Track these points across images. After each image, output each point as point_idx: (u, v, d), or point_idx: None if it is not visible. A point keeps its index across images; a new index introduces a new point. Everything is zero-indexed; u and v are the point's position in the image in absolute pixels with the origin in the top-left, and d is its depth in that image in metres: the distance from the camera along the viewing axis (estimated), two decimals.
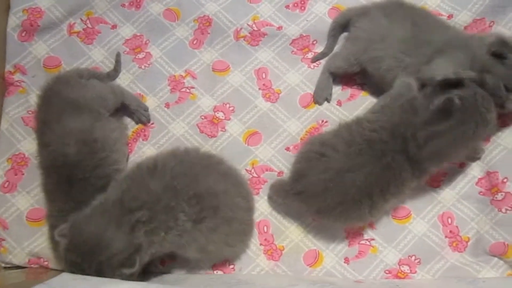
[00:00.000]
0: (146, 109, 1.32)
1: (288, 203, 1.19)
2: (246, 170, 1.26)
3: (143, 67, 1.38)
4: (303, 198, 1.11)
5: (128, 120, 1.33)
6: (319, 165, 1.08)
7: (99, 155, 1.14)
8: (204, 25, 1.42)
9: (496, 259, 1.13)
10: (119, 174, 1.14)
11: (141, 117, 1.31)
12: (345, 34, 1.37)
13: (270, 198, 1.22)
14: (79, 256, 0.95)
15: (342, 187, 1.05)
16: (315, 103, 1.32)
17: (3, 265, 1.22)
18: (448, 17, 1.34)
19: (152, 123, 1.32)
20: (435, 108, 1.04)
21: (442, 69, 1.13)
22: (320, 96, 1.31)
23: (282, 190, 1.17)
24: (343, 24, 1.36)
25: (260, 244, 1.20)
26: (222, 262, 1.18)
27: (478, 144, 1.15)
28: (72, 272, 0.96)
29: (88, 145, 1.13)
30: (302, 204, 1.14)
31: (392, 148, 1.05)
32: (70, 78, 1.22)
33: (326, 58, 1.35)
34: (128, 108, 1.31)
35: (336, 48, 1.37)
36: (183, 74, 1.37)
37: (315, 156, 1.09)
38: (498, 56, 1.11)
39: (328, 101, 1.31)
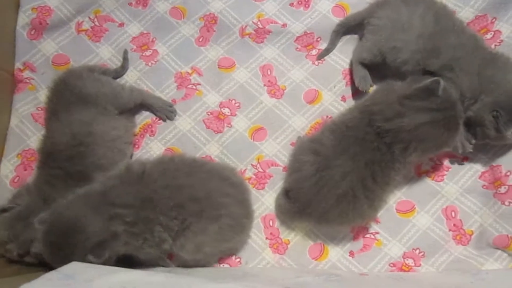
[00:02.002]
0: (171, 105, 1.34)
1: (298, 224, 1.21)
2: (252, 165, 1.28)
3: (150, 64, 1.40)
4: (305, 213, 1.11)
5: (136, 116, 1.35)
6: (308, 170, 1.08)
7: (79, 149, 1.15)
8: (210, 22, 1.44)
9: (499, 251, 1.14)
10: (103, 170, 1.16)
11: (168, 114, 1.33)
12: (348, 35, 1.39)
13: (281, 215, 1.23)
14: (56, 237, 0.98)
15: (333, 181, 1.05)
16: (361, 89, 1.28)
17: None
18: None
19: (161, 119, 1.34)
20: (421, 86, 1.04)
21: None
22: (365, 84, 1.28)
23: (288, 213, 1.18)
24: (350, 26, 1.37)
25: (266, 238, 1.21)
26: (229, 256, 1.19)
27: (437, 148, 1.08)
28: (48, 255, 0.99)
29: (77, 137, 1.15)
30: (308, 221, 1.16)
31: (363, 122, 1.07)
32: (83, 72, 1.25)
33: (352, 49, 1.34)
34: (152, 108, 1.33)
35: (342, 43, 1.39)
36: (189, 71, 1.39)
37: (306, 160, 1.09)
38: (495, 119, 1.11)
39: (372, 86, 1.29)
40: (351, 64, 1.34)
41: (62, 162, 1.14)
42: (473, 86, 1.15)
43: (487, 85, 1.13)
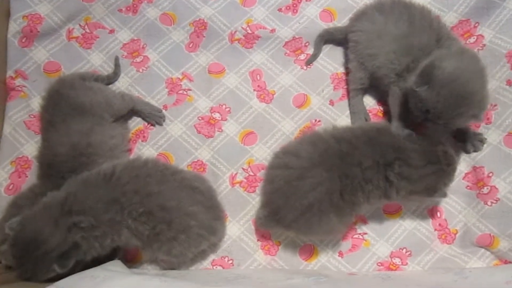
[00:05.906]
0: (159, 111, 1.36)
1: (273, 231, 1.23)
2: (243, 169, 1.31)
3: (141, 70, 1.42)
4: (275, 219, 1.12)
5: (128, 122, 1.37)
6: (280, 179, 1.09)
7: (81, 160, 1.16)
8: (200, 28, 1.46)
9: (483, 250, 1.19)
10: None
11: (157, 119, 1.35)
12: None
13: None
14: (19, 251, 1.00)
15: (301, 191, 1.06)
16: None
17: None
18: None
19: (151, 125, 1.37)
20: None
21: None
22: (358, 120, 1.31)
23: (264, 221, 1.18)
24: (335, 37, 1.40)
25: (258, 240, 1.24)
26: (221, 258, 1.22)
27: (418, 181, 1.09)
28: (17, 267, 1.02)
29: (77, 148, 1.16)
30: (279, 227, 1.15)
31: (359, 140, 1.08)
32: (75, 81, 1.26)
33: (340, 54, 1.37)
34: (141, 113, 1.35)
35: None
36: (180, 77, 1.41)
37: (277, 174, 1.11)
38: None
39: (367, 120, 1.32)
40: (344, 72, 1.37)
41: (66, 173, 1.15)
42: None
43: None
